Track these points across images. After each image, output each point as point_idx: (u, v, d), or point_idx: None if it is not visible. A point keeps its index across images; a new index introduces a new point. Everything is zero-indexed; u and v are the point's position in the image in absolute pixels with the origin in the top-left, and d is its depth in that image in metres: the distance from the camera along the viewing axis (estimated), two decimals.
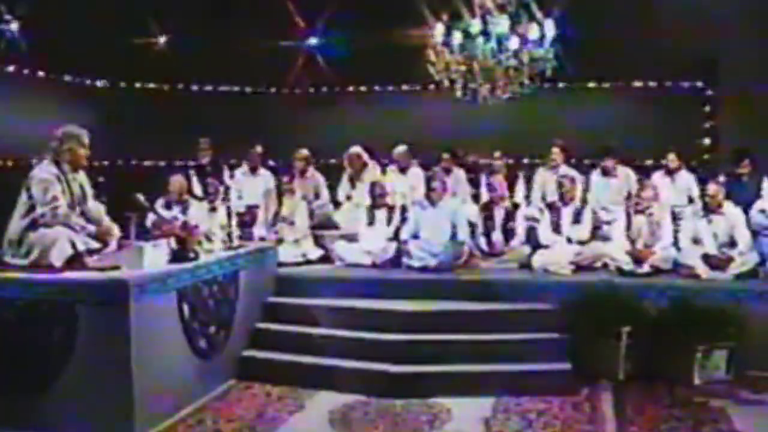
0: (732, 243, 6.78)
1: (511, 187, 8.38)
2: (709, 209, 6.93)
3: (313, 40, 11.14)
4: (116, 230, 5.55)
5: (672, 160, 8.46)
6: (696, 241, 6.88)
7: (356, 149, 9.07)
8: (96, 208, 5.58)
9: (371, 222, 7.79)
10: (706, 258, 6.66)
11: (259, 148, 9.15)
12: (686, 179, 8.46)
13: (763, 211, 7.24)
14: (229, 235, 6.51)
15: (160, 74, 11.15)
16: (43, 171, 5.27)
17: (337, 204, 8.90)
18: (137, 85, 11.19)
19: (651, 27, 9.47)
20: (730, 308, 5.98)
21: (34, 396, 4.75)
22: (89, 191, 5.58)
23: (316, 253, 7.77)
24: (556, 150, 8.78)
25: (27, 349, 4.78)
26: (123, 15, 10.01)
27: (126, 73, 10.89)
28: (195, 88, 11.41)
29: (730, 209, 6.93)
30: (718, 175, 7.72)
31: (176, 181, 7.87)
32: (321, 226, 8.46)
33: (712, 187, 7.01)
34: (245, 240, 7.11)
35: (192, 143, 9.28)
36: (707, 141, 10.25)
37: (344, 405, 5.46)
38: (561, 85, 9.94)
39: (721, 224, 6.86)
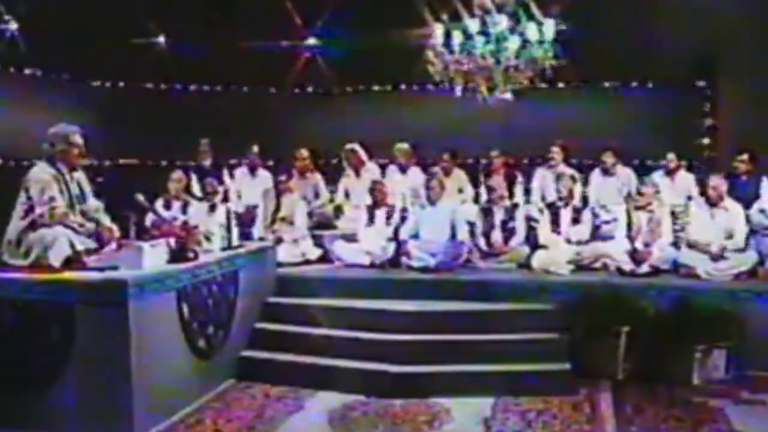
0: (730, 237, 6.82)
1: (511, 187, 8.38)
2: (711, 203, 6.94)
3: (312, 40, 11.14)
4: (116, 230, 5.54)
5: (671, 160, 8.46)
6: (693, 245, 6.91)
7: (351, 145, 9.09)
8: (95, 206, 5.58)
9: (371, 222, 7.79)
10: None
11: (255, 148, 9.15)
12: (685, 179, 8.46)
13: (762, 211, 7.24)
14: (229, 235, 6.51)
15: (160, 74, 11.16)
16: (40, 171, 5.27)
17: (337, 209, 8.89)
18: (137, 85, 11.20)
19: (651, 27, 9.47)
20: (729, 308, 5.98)
21: (34, 396, 4.75)
22: (88, 190, 5.58)
23: (315, 253, 7.77)
24: (555, 149, 8.79)
25: (26, 349, 4.78)
26: (122, 15, 10.01)
27: (126, 73, 10.90)
28: (195, 88, 11.42)
29: (733, 204, 6.94)
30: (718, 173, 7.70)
31: (176, 176, 8.01)
32: (320, 226, 8.47)
33: (714, 180, 7.02)
34: (244, 240, 7.11)
35: (192, 143, 9.29)
36: (706, 141, 10.26)
37: (344, 405, 5.46)
38: (561, 85, 9.94)
39: (723, 219, 6.88)
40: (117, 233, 5.49)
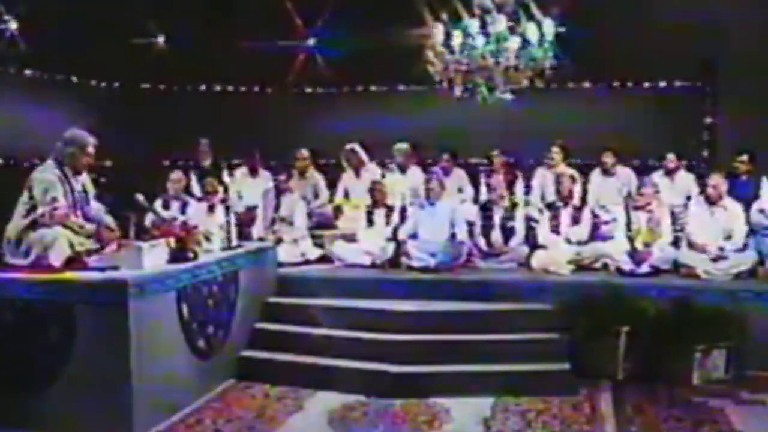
0: (729, 237, 6.82)
1: (510, 187, 8.38)
2: (711, 201, 6.94)
3: (312, 40, 11.14)
4: (117, 230, 5.52)
5: (671, 160, 8.46)
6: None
7: (351, 145, 9.10)
8: (97, 207, 5.59)
9: (370, 222, 7.79)
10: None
11: (256, 152, 9.14)
12: (685, 179, 8.46)
13: (762, 211, 7.25)
14: (228, 235, 6.51)
15: (159, 74, 11.16)
16: (45, 172, 5.27)
17: (337, 209, 8.89)
18: (137, 85, 11.19)
19: (651, 27, 9.45)
20: (729, 308, 5.99)
21: (34, 396, 4.76)
22: (91, 192, 5.58)
23: (315, 253, 7.78)
24: (555, 149, 8.79)
25: (26, 349, 4.78)
26: (122, 15, 10.01)
27: (126, 73, 10.89)
28: (195, 88, 11.41)
29: (732, 204, 6.94)
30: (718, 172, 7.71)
31: (175, 176, 8.06)
32: (320, 226, 8.47)
33: (714, 178, 7.03)
34: (244, 240, 7.11)
35: (192, 143, 9.28)
36: (706, 141, 10.25)
37: (343, 405, 5.47)
38: (561, 85, 9.93)
39: (723, 218, 6.88)
40: (118, 233, 5.47)
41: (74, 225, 5.25)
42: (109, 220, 5.56)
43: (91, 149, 5.44)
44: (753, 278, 6.62)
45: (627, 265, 6.82)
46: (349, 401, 5.53)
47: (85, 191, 5.48)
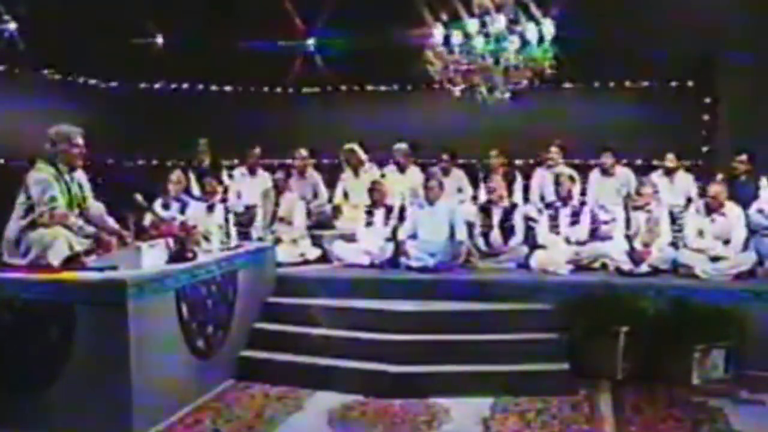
0: (728, 242, 6.82)
1: (510, 187, 8.38)
2: (711, 209, 6.94)
3: (312, 40, 11.15)
4: (124, 233, 5.47)
5: (670, 160, 8.47)
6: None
7: (350, 145, 9.11)
8: (96, 208, 5.57)
9: (369, 222, 7.79)
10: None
11: (257, 150, 9.16)
12: (684, 180, 8.47)
13: (761, 211, 7.25)
14: (228, 235, 6.51)
15: (159, 74, 11.17)
16: (41, 171, 5.25)
17: (336, 209, 8.89)
18: (136, 85, 11.20)
19: (650, 27, 9.47)
20: (728, 308, 5.98)
21: (33, 396, 4.75)
22: (88, 191, 5.57)
23: (314, 252, 7.77)
24: (554, 149, 8.80)
25: (25, 349, 4.78)
26: (122, 15, 10.01)
27: (126, 73, 10.90)
28: (195, 88, 11.41)
29: (732, 209, 6.95)
30: (716, 175, 7.72)
31: (175, 177, 8.01)
32: (319, 225, 8.47)
33: (713, 188, 7.03)
34: (243, 240, 7.10)
35: (191, 143, 9.29)
36: (706, 141, 10.26)
37: (343, 405, 5.46)
38: (560, 85, 9.94)
39: (722, 224, 6.88)
40: (126, 234, 5.44)
41: (74, 225, 5.24)
42: (112, 222, 5.54)
43: (79, 140, 5.37)
44: (753, 278, 6.61)
45: (626, 265, 6.82)
46: (348, 401, 5.53)
47: (81, 190, 5.46)
